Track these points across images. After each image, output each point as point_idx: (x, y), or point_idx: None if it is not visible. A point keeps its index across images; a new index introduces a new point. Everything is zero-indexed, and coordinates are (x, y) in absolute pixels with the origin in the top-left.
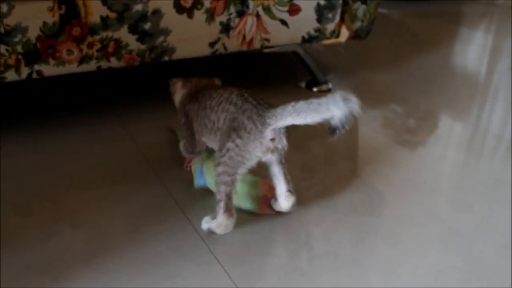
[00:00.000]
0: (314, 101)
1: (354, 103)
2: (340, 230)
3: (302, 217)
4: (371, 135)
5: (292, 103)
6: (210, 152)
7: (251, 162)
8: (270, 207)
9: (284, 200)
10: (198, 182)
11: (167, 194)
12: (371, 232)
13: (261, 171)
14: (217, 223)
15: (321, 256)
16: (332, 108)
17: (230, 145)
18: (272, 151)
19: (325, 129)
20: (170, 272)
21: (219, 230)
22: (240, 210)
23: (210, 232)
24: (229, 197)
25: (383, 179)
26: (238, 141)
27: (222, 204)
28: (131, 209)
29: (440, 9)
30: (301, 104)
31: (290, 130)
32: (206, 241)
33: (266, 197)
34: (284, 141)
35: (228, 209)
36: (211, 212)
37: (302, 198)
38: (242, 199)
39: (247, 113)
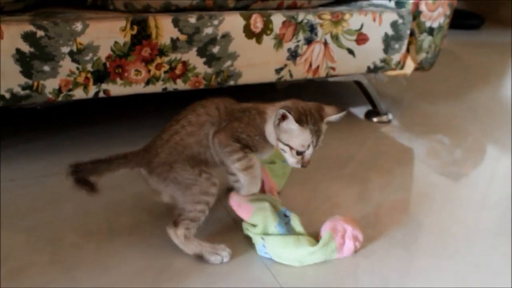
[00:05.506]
0: None
1: None
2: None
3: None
4: (429, 169)
5: None
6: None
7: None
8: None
9: None
10: (261, 252)
11: (234, 225)
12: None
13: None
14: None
15: None
16: None
17: None
18: None
19: None
20: None
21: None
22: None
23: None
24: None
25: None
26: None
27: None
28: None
29: (490, 40)
30: None
31: None
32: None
33: (341, 244)
34: None
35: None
36: None
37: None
38: (328, 256)
39: None
